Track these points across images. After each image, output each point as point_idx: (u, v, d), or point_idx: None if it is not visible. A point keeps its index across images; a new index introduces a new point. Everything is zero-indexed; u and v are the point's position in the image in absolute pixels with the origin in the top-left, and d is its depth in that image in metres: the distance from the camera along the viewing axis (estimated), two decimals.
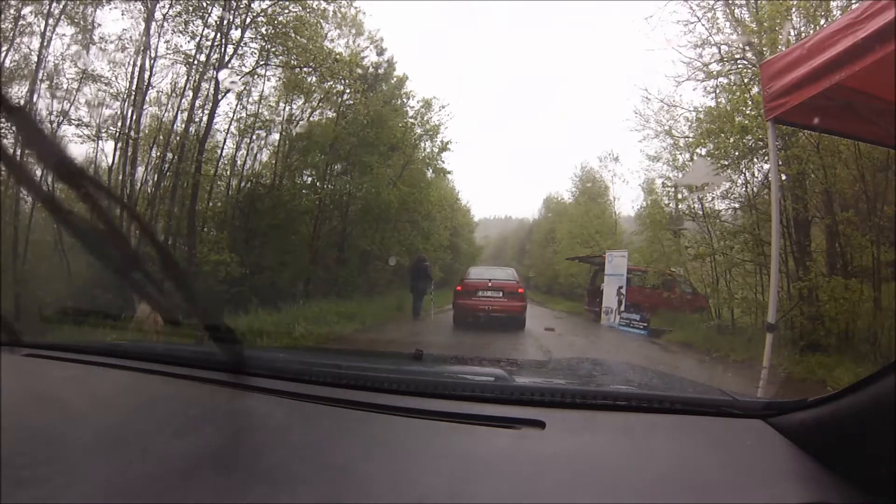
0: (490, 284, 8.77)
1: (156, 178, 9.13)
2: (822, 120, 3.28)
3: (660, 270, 9.75)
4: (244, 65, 9.36)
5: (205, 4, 8.59)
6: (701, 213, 8.89)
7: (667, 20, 8.84)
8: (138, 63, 8.70)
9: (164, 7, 8.59)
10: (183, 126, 8.98)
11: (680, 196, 9.50)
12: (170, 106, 9.28)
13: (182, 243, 8.89)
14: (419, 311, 9.56)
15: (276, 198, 10.19)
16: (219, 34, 8.73)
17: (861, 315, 5.45)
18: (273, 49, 9.36)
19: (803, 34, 6.07)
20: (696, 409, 0.88)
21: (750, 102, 6.50)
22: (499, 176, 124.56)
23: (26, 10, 7.91)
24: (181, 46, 8.80)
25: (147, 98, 9.01)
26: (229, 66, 9.01)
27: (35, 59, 8.06)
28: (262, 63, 9.57)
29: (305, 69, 9.85)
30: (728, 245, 7.70)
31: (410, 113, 12.66)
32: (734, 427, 0.83)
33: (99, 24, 8.54)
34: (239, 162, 10.58)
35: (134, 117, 8.77)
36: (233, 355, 1.01)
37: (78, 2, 8.35)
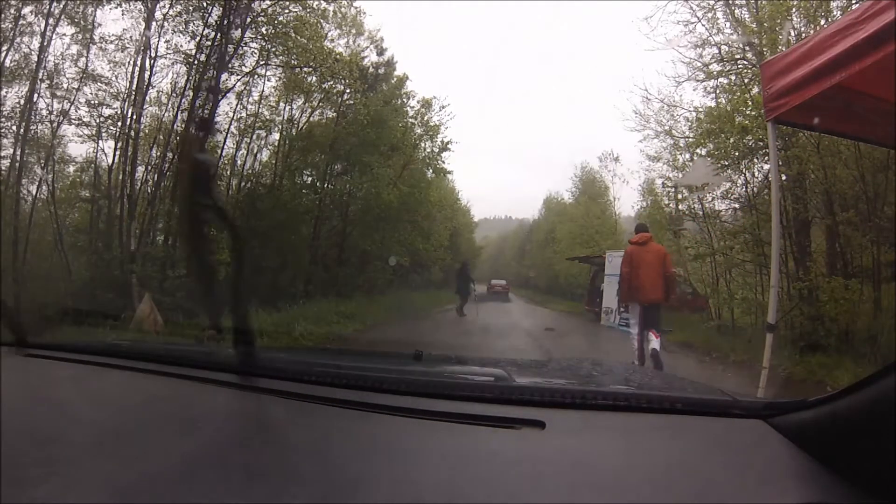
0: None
1: (156, 178, 9.12)
2: (823, 120, 3.27)
3: None
4: (244, 65, 9.37)
5: (205, 4, 8.59)
6: (701, 213, 8.88)
7: (667, 20, 8.80)
8: (138, 63, 8.71)
9: (164, 7, 8.60)
10: (183, 126, 8.98)
11: (680, 196, 9.50)
12: (170, 106, 9.28)
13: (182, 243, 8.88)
14: (463, 310, 11.00)
15: (276, 198, 10.19)
16: (219, 34, 8.74)
17: (861, 315, 5.45)
18: (273, 49, 9.36)
19: (803, 34, 6.06)
20: (696, 410, 0.88)
21: (750, 102, 6.49)
22: (499, 176, 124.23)
23: (26, 10, 7.92)
24: (181, 46, 8.81)
25: (147, 98, 9.01)
26: (229, 66, 9.02)
27: (35, 58, 8.07)
28: (262, 63, 9.58)
29: (305, 69, 9.85)
30: (728, 245, 7.68)
31: (410, 113, 12.65)
32: (734, 427, 0.83)
33: (99, 24, 8.56)
34: (239, 162, 10.59)
35: (134, 117, 8.77)
36: (238, 356, 1.00)
37: (78, 2, 8.35)
